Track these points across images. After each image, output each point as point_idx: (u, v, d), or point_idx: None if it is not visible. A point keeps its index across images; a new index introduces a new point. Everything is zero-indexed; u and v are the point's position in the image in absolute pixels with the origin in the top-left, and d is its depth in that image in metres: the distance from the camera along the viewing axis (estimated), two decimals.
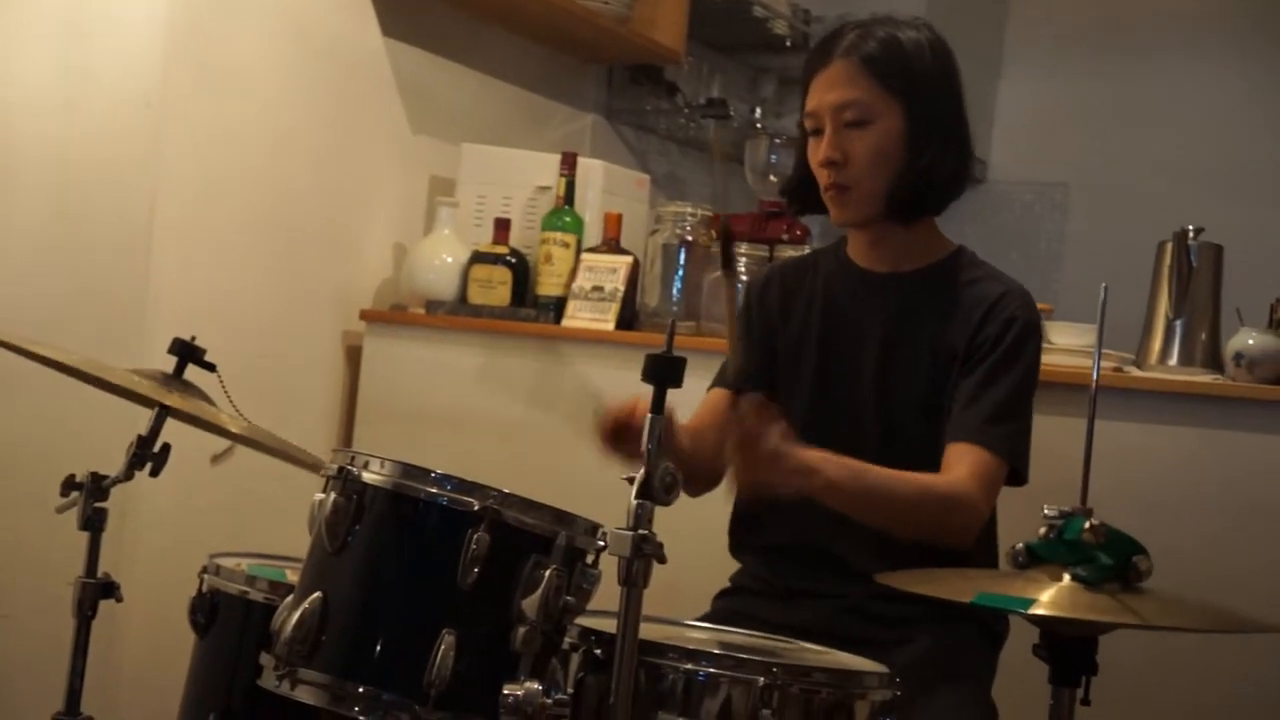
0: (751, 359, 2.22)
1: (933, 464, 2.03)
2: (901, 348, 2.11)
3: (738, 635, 1.91)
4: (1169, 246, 2.71)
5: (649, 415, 1.57)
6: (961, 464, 1.99)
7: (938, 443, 2.04)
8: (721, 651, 1.68)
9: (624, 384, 2.80)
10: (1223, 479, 2.55)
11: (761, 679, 1.62)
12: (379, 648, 1.66)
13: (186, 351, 2.06)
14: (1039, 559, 1.63)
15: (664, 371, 1.57)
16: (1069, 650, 1.64)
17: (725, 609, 2.17)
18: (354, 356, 3.31)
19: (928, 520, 1.95)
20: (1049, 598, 1.57)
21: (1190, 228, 2.70)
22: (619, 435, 1.90)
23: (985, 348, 2.05)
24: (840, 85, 2.08)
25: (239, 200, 3.01)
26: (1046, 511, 1.63)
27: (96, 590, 2.02)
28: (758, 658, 1.66)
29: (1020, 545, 1.64)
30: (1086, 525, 1.58)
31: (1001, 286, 2.11)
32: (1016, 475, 2.06)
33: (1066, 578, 1.60)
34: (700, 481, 2.07)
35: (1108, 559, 1.58)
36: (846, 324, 2.17)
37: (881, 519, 1.96)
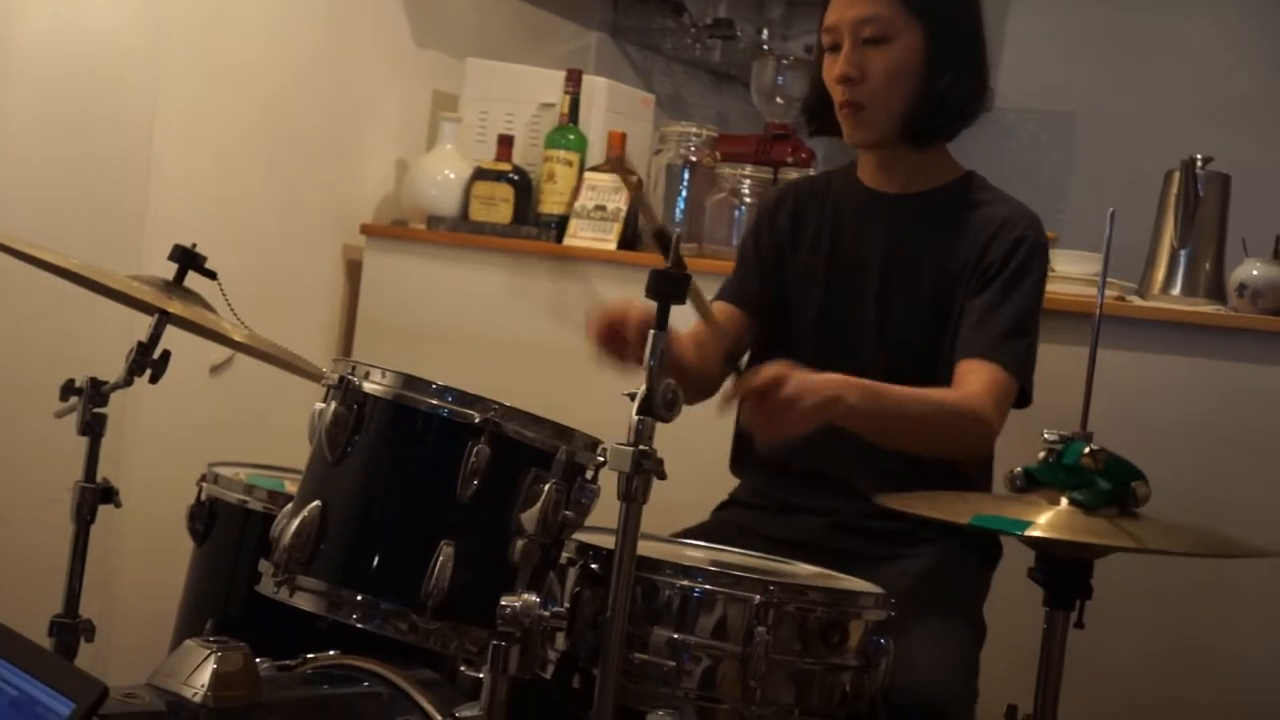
0: (755, 279, 2.22)
1: (933, 384, 2.02)
2: (904, 267, 2.11)
3: (733, 554, 1.92)
4: (1176, 175, 2.69)
5: (652, 331, 1.56)
6: (974, 379, 1.98)
7: (939, 364, 2.04)
8: (718, 569, 1.69)
9: None
10: (1223, 409, 2.55)
11: (757, 596, 1.63)
12: (377, 557, 1.67)
13: (187, 258, 2.04)
14: (1037, 483, 1.63)
15: (668, 287, 1.57)
16: (1064, 573, 1.65)
17: (720, 521, 2.18)
18: (354, 271, 3.30)
19: (944, 436, 1.94)
20: (1046, 520, 1.58)
21: (1198, 157, 2.68)
22: (609, 335, 1.88)
23: (994, 268, 2.05)
24: (861, 1, 2.06)
25: (240, 110, 2.99)
26: (1046, 436, 1.63)
27: (95, 495, 2.02)
28: (754, 575, 1.67)
29: (1019, 469, 1.64)
30: (1086, 450, 1.58)
31: (1009, 209, 2.11)
32: (1023, 394, 2.06)
33: (1064, 502, 1.60)
34: (697, 391, 2.05)
35: (1106, 484, 1.58)
36: (852, 245, 2.16)
37: (899, 438, 1.94)
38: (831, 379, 1.83)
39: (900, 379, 2.00)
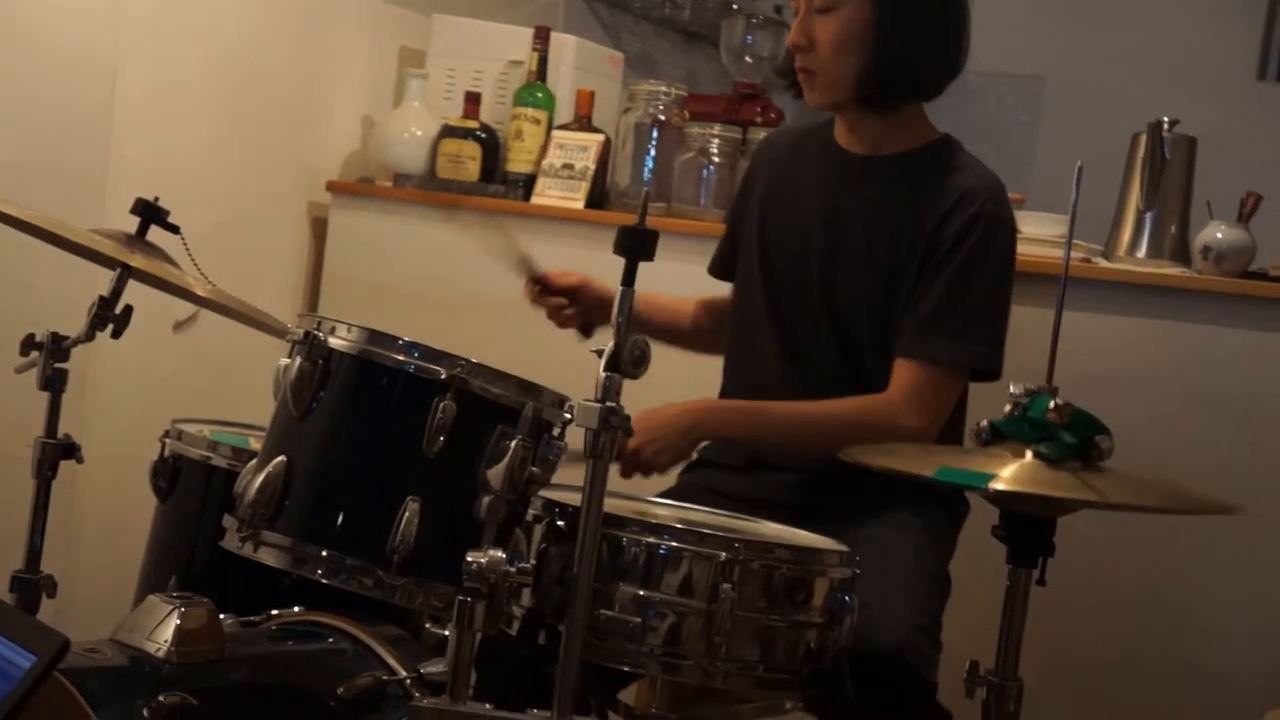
0: (729, 241, 2.31)
1: (882, 350, 2.07)
2: (856, 230, 2.13)
3: (700, 513, 1.92)
4: (1143, 138, 2.70)
5: (620, 288, 1.55)
6: (895, 381, 2.05)
7: (890, 325, 2.06)
8: (684, 527, 1.69)
9: (593, 264, 2.78)
10: (1186, 370, 2.57)
11: (723, 554, 1.63)
12: (342, 512, 1.66)
13: (149, 212, 2.02)
14: (1003, 436, 1.63)
15: (636, 243, 1.56)
16: (1027, 531, 1.65)
17: (687, 483, 2.19)
18: (320, 228, 3.28)
19: (851, 440, 1.96)
20: (1010, 474, 1.58)
21: (1165, 120, 2.68)
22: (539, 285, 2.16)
23: (946, 247, 2.06)
24: None
25: (204, 65, 2.95)
26: (1012, 390, 1.63)
27: (57, 451, 2.00)
28: (720, 533, 1.67)
29: (984, 422, 1.65)
30: (1051, 404, 1.58)
31: (971, 180, 2.10)
32: (987, 372, 2.08)
33: (1029, 455, 1.61)
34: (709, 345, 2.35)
35: (1071, 438, 1.58)
36: (814, 203, 2.18)
37: (792, 448, 2.10)
38: (678, 415, 2.03)
39: (847, 339, 2.10)
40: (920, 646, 1.81)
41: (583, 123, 3.13)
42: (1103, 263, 2.71)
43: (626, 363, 1.54)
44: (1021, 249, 2.64)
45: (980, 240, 2.06)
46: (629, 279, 1.55)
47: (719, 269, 2.34)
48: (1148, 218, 2.69)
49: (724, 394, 2.25)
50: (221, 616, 1.76)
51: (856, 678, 1.73)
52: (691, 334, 2.38)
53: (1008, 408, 1.63)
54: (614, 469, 1.61)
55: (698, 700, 1.91)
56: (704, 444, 2.20)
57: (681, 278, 2.35)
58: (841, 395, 2.06)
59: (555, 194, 3.08)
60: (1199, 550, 2.53)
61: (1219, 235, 2.58)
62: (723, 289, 2.33)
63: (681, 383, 2.13)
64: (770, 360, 2.16)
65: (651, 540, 1.65)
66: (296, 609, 1.90)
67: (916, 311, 2.05)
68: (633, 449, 1.96)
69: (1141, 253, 2.69)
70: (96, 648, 1.66)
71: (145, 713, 1.57)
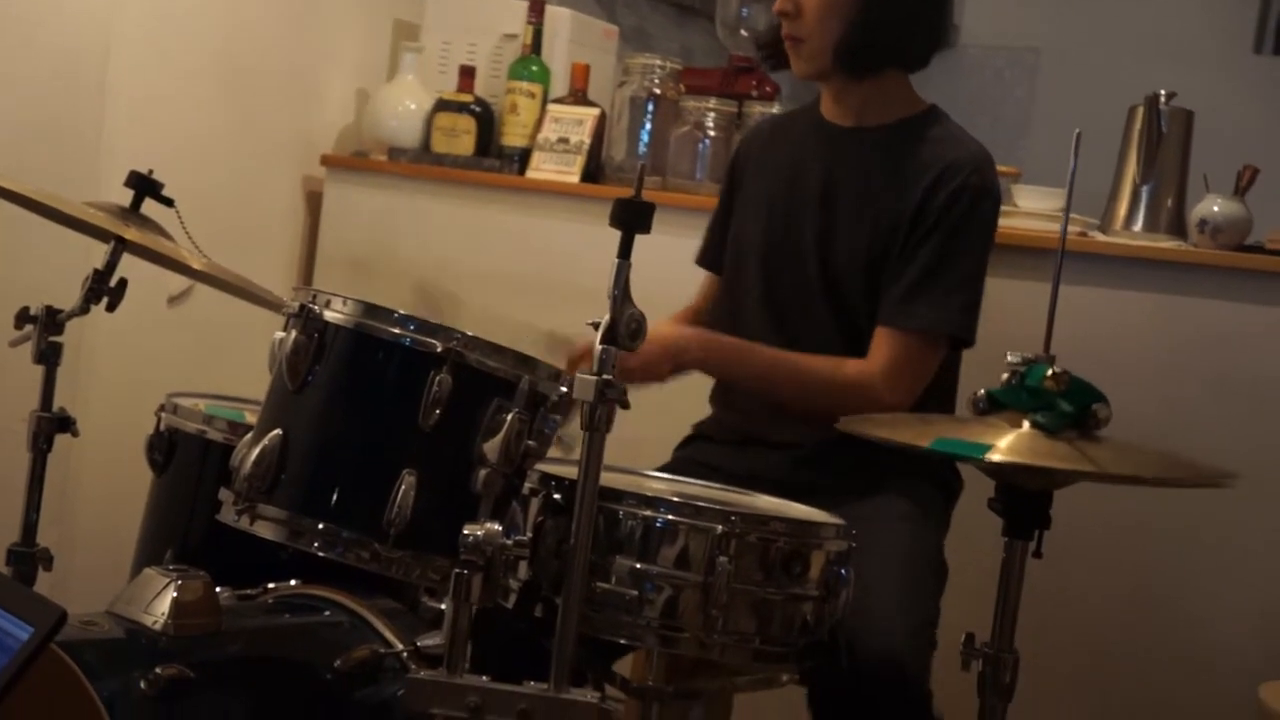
0: (719, 230, 2.30)
1: (874, 322, 2.07)
2: (848, 200, 2.13)
3: (695, 486, 1.92)
4: (1140, 111, 2.69)
5: (615, 260, 1.55)
6: (875, 350, 2.06)
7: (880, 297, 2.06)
8: (681, 500, 1.69)
9: (588, 238, 2.78)
10: (1182, 345, 2.56)
11: (719, 527, 1.63)
12: (339, 485, 1.66)
13: (144, 185, 2.02)
14: (1000, 405, 1.63)
15: (632, 216, 1.55)
16: (1023, 503, 1.65)
17: (683, 458, 2.19)
18: (314, 203, 3.27)
19: (823, 403, 1.98)
20: (1007, 444, 1.58)
21: (1162, 93, 2.68)
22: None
23: (932, 218, 2.06)
24: None
25: (198, 38, 2.94)
26: (1010, 358, 1.63)
27: (52, 424, 2.00)
28: (716, 506, 1.67)
29: (981, 391, 1.64)
30: (1049, 372, 1.58)
31: (958, 151, 2.10)
32: (963, 339, 2.08)
33: (1026, 425, 1.60)
34: None
35: (1068, 406, 1.58)
36: (800, 178, 2.18)
37: (771, 395, 2.08)
38: (668, 343, 2.00)
39: (843, 313, 2.09)
40: (918, 654, 1.81)
41: (578, 96, 3.12)
42: (1099, 236, 2.70)
43: (623, 336, 1.53)
44: (1017, 223, 2.65)
45: (965, 212, 2.06)
46: (625, 252, 1.55)
47: (708, 259, 2.33)
48: (1144, 191, 2.68)
49: (715, 385, 2.25)
50: (218, 590, 1.76)
51: (853, 685, 1.73)
52: None
53: (1005, 376, 1.62)
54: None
55: (694, 672, 1.92)
56: (697, 419, 2.20)
57: (677, 252, 2.35)
58: None
59: (550, 168, 3.07)
60: (1195, 524, 2.53)
61: (1215, 209, 2.58)
62: (690, 291, 2.33)
63: (670, 389, 2.13)
64: (762, 340, 2.16)
65: (648, 513, 1.64)
66: (293, 582, 1.91)
67: (900, 280, 2.06)
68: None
69: (1138, 226, 2.68)
70: (93, 620, 1.66)
71: (142, 685, 1.57)
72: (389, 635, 1.81)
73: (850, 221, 2.11)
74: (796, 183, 2.18)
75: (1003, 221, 2.24)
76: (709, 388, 2.27)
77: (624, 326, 1.54)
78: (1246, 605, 2.53)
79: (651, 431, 2.04)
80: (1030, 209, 2.73)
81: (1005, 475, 1.65)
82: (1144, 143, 2.67)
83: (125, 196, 2.06)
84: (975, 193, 2.07)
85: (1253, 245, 2.61)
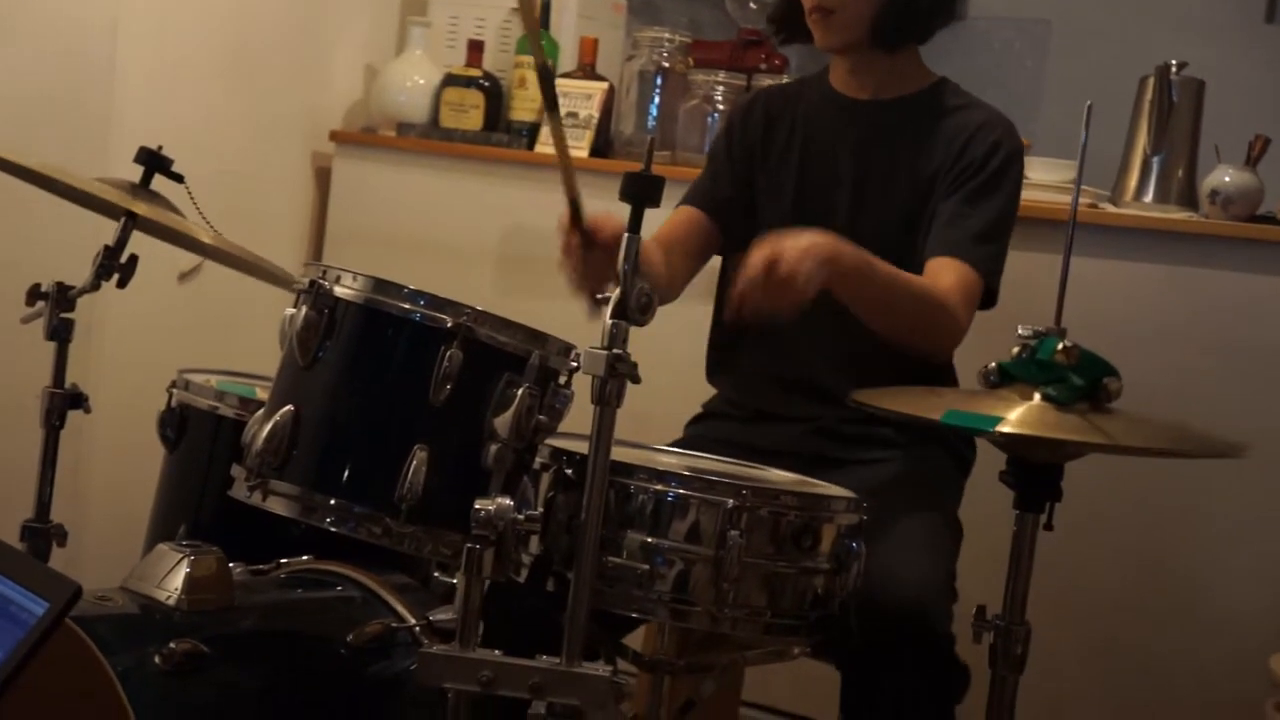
0: (725, 184, 2.22)
1: None
2: (877, 175, 2.11)
3: (706, 460, 1.92)
4: (1151, 82, 2.68)
5: (625, 234, 1.55)
6: (946, 275, 1.99)
7: (911, 262, 2.05)
8: (692, 474, 1.69)
9: (596, 212, 2.76)
10: (1193, 316, 2.56)
11: (730, 500, 1.63)
12: (350, 461, 1.66)
13: (154, 160, 2.01)
14: (1011, 378, 1.62)
15: (642, 189, 1.55)
16: (1034, 476, 1.65)
17: (695, 435, 2.18)
18: (323, 178, 3.27)
19: (919, 322, 1.94)
20: (1018, 416, 1.57)
21: (1173, 63, 2.66)
22: (582, 235, 1.84)
23: (970, 171, 2.05)
24: None
25: (206, 13, 2.93)
26: (1021, 331, 1.62)
27: (64, 400, 2.00)
28: (727, 480, 1.67)
29: (992, 364, 1.63)
30: (1060, 346, 1.57)
31: (984, 114, 2.11)
32: (990, 296, 2.07)
33: (1037, 397, 1.60)
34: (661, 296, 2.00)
35: (1079, 379, 1.57)
36: (825, 154, 2.15)
37: (879, 314, 1.93)
38: (822, 241, 1.80)
39: None
40: (939, 603, 1.81)
41: (586, 71, 3.11)
42: (1110, 208, 2.69)
43: (633, 310, 1.53)
44: (1029, 194, 2.63)
45: (1002, 165, 2.05)
46: (634, 225, 1.55)
47: (704, 201, 2.21)
48: (1155, 162, 2.68)
49: (718, 364, 2.23)
50: (230, 565, 1.77)
51: (874, 636, 1.73)
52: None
53: (1015, 349, 1.62)
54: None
55: (705, 646, 1.92)
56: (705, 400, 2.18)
57: None
58: (863, 338, 2.01)
59: None
60: (1206, 495, 2.53)
61: (1227, 179, 2.57)
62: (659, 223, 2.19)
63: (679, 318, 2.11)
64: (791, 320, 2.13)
65: (659, 487, 1.65)
66: (305, 558, 1.91)
67: (960, 220, 2.02)
68: (789, 264, 1.74)
69: (1148, 197, 2.68)
70: (107, 595, 1.67)
71: (157, 659, 1.58)
72: (401, 610, 1.82)
73: (881, 194, 2.09)
74: (823, 159, 2.15)
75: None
76: (698, 368, 2.25)
77: (634, 300, 1.53)
78: (1257, 576, 2.53)
79: (659, 406, 2.03)
80: (1041, 181, 2.72)
81: (1016, 447, 1.65)
82: (1155, 113, 2.66)
83: (135, 173, 2.06)
84: (1009, 150, 2.07)
85: (1264, 216, 2.60)
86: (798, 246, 1.76)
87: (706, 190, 2.23)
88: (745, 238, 2.16)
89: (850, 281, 1.85)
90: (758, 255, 1.75)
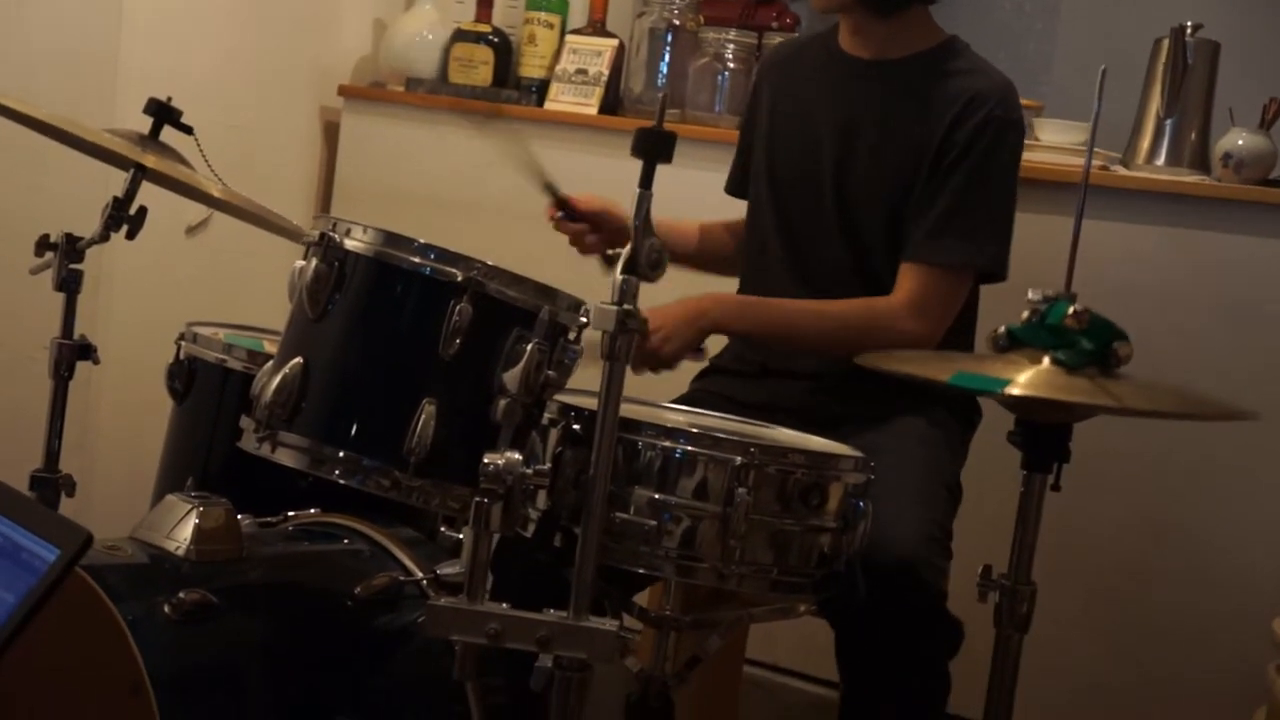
0: (743, 160, 2.29)
1: (892, 254, 2.06)
2: (867, 134, 2.11)
3: (715, 418, 1.92)
4: (1165, 43, 2.66)
5: (637, 190, 1.54)
6: (901, 285, 2.05)
7: (902, 232, 2.05)
8: (699, 431, 1.69)
9: (606, 170, 2.76)
10: (1205, 279, 2.55)
11: (738, 458, 1.62)
12: (359, 414, 1.67)
13: (163, 112, 2.01)
14: (1020, 342, 1.62)
15: (654, 145, 1.54)
16: (1043, 437, 1.65)
17: (701, 390, 2.19)
18: (331, 133, 3.26)
19: (852, 341, 1.96)
20: (1027, 379, 1.57)
21: (1188, 24, 2.64)
22: (564, 210, 2.07)
23: (954, 153, 2.05)
24: None
25: None
26: (1031, 295, 1.61)
27: (73, 351, 2.00)
28: (735, 438, 1.67)
29: (1002, 328, 1.63)
30: (1070, 310, 1.56)
31: (982, 82, 2.08)
32: (989, 275, 2.07)
33: (1046, 361, 1.59)
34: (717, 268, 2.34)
35: (1089, 344, 1.57)
36: (820, 110, 2.16)
37: (791, 343, 2.09)
38: (679, 311, 1.99)
39: (859, 245, 2.08)
40: (930, 556, 1.82)
41: (596, 27, 3.09)
42: (1121, 170, 2.68)
43: (644, 266, 1.52)
44: (1040, 157, 2.63)
45: (991, 144, 2.04)
46: (646, 181, 1.54)
47: (735, 186, 2.33)
48: (1168, 125, 2.66)
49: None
50: (239, 517, 1.77)
51: (868, 588, 1.74)
52: (702, 255, 2.36)
53: (1025, 314, 1.61)
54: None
55: (711, 602, 1.93)
56: (714, 353, 2.19)
57: (696, 185, 2.33)
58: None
59: (568, 100, 3.05)
60: (1213, 458, 2.53)
61: (1240, 142, 2.56)
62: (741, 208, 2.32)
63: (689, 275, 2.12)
64: (779, 275, 2.15)
65: (667, 444, 1.64)
66: (313, 510, 1.92)
67: (925, 215, 2.05)
68: (646, 343, 1.93)
69: (1161, 160, 2.66)
70: (117, 545, 1.67)
71: (166, 609, 1.58)
72: (408, 563, 1.82)
73: (870, 154, 2.10)
74: (813, 116, 2.16)
75: (1024, 155, 2.23)
76: None
77: (645, 256, 1.53)
78: (1262, 539, 2.53)
79: None
80: (1052, 143, 2.71)
81: (1025, 408, 1.65)
82: (1168, 75, 2.64)
83: (143, 124, 2.05)
84: (1001, 124, 2.05)
85: (1277, 179, 2.59)
86: (656, 322, 1.93)
87: (735, 174, 2.34)
88: (751, 202, 2.24)
89: (733, 328, 2.10)
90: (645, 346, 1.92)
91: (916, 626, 1.79)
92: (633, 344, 1.52)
